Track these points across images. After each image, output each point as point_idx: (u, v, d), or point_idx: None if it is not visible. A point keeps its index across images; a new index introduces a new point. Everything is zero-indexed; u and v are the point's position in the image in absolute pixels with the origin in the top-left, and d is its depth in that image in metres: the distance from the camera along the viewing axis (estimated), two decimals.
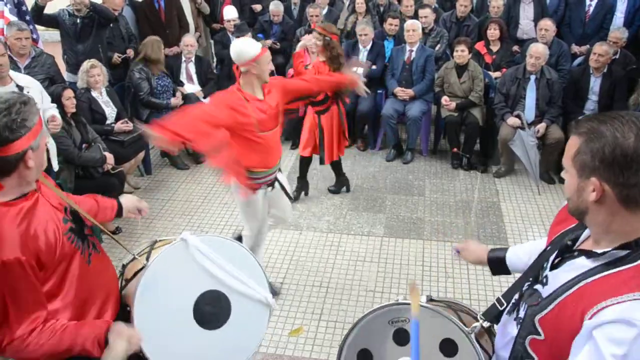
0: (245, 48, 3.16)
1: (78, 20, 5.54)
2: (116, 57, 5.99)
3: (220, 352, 2.18)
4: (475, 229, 4.74)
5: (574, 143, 1.36)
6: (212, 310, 2.13)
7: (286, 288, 4.02)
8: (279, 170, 3.59)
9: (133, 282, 2.05)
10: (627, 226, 1.35)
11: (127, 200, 2.46)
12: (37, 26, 5.66)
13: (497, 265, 2.01)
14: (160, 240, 2.36)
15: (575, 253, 1.48)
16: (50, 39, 7.62)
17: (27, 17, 5.45)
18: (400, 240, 4.59)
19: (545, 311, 1.44)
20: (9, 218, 1.71)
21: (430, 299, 1.92)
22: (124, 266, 2.29)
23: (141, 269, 2.08)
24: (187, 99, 5.88)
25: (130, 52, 6.11)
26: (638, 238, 1.34)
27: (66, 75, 5.65)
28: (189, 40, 6.10)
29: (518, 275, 1.77)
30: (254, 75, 3.19)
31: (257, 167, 3.35)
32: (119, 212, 2.41)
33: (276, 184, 3.56)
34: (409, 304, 1.84)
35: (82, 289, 1.92)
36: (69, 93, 4.26)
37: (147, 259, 2.13)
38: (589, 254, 1.41)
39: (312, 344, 3.50)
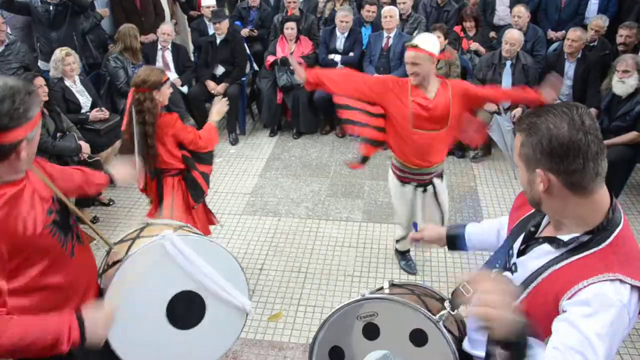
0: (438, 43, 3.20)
1: (51, 8, 5.45)
2: (103, 11, 6.05)
3: (187, 352, 2.18)
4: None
5: (518, 139, 1.44)
6: (185, 310, 2.12)
7: (265, 274, 4.03)
8: (439, 176, 3.52)
9: (111, 272, 2.03)
10: (580, 210, 1.41)
11: (118, 172, 2.42)
12: (8, 13, 5.55)
13: (455, 241, 2.05)
14: (151, 225, 2.31)
15: (540, 240, 1.53)
16: None
17: None
18: (378, 225, 4.63)
19: (519, 299, 1.47)
20: None
21: (392, 284, 1.94)
22: (110, 250, 2.24)
23: (119, 261, 2.06)
24: None
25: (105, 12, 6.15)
26: (599, 224, 1.39)
27: (40, 64, 5.57)
28: (167, 29, 6.01)
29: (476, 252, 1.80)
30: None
31: (406, 161, 3.39)
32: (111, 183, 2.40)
33: (430, 188, 3.50)
34: (375, 298, 1.86)
35: (64, 282, 1.89)
36: (39, 81, 4.18)
37: (128, 251, 2.10)
38: (554, 241, 1.46)
39: (292, 328, 3.53)
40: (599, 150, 1.33)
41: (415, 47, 3.13)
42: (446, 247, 2.10)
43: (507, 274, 1.59)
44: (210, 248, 2.19)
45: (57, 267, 1.86)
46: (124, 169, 2.46)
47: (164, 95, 3.29)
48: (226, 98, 3.66)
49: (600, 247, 1.38)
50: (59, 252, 1.87)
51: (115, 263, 2.12)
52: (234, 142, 6.20)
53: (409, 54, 3.15)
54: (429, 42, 3.15)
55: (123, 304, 1.99)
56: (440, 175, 3.54)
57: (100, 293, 2.10)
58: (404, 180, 3.50)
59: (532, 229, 1.59)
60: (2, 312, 1.68)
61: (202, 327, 2.17)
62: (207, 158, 3.51)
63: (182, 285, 2.10)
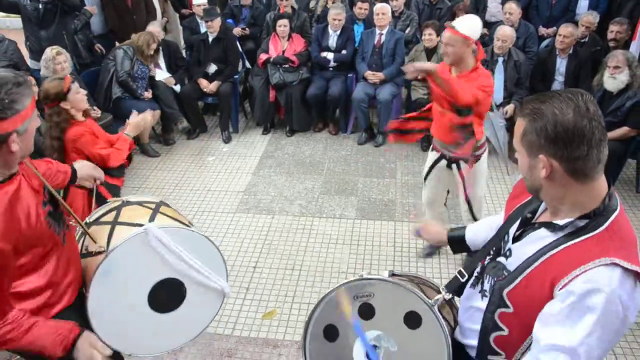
0: (480, 26, 3.29)
1: (40, 6, 5.41)
2: (92, 8, 5.96)
3: (167, 331, 2.26)
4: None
5: (520, 124, 1.42)
6: (166, 296, 2.18)
7: (259, 272, 4.03)
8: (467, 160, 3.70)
9: (93, 262, 2.05)
10: (580, 197, 1.41)
11: (82, 166, 2.47)
12: None
13: (457, 244, 2.05)
14: (128, 204, 2.32)
15: (536, 225, 1.53)
16: (12, 26, 7.44)
17: None
18: (372, 222, 4.63)
19: (513, 284, 1.48)
20: None
21: (392, 274, 1.95)
22: (84, 231, 2.20)
23: (100, 252, 2.08)
24: (157, 87, 5.79)
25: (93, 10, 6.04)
26: (596, 208, 1.39)
27: (30, 63, 5.53)
28: (152, 29, 5.95)
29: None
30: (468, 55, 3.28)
31: (435, 135, 3.68)
32: (73, 179, 2.42)
33: (454, 167, 3.72)
34: (372, 279, 1.87)
35: (59, 269, 1.91)
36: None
37: (109, 240, 2.12)
38: (550, 226, 1.46)
39: (286, 325, 3.53)
40: (601, 137, 1.34)
41: (452, 28, 3.21)
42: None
43: (502, 259, 1.59)
44: (190, 237, 2.24)
45: (53, 255, 1.88)
46: (86, 168, 2.55)
47: (75, 102, 3.22)
48: (153, 111, 3.61)
49: (597, 232, 1.38)
50: (55, 242, 1.88)
51: (96, 254, 2.13)
52: (227, 140, 6.18)
53: (444, 34, 3.28)
54: (468, 25, 3.21)
55: (106, 296, 2.04)
56: (469, 160, 3.65)
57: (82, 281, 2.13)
58: (438, 152, 3.71)
59: (529, 215, 1.59)
60: (20, 315, 1.73)
61: (182, 309, 2.25)
62: (116, 173, 3.47)
63: (163, 274, 2.16)
